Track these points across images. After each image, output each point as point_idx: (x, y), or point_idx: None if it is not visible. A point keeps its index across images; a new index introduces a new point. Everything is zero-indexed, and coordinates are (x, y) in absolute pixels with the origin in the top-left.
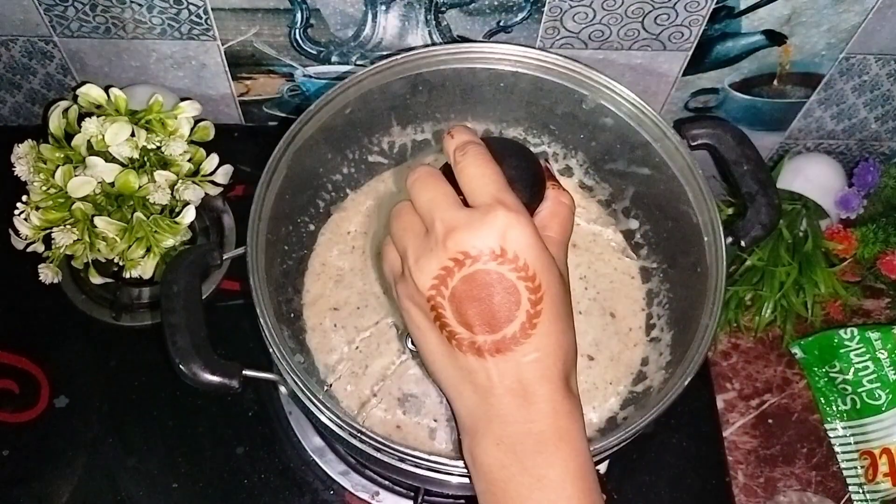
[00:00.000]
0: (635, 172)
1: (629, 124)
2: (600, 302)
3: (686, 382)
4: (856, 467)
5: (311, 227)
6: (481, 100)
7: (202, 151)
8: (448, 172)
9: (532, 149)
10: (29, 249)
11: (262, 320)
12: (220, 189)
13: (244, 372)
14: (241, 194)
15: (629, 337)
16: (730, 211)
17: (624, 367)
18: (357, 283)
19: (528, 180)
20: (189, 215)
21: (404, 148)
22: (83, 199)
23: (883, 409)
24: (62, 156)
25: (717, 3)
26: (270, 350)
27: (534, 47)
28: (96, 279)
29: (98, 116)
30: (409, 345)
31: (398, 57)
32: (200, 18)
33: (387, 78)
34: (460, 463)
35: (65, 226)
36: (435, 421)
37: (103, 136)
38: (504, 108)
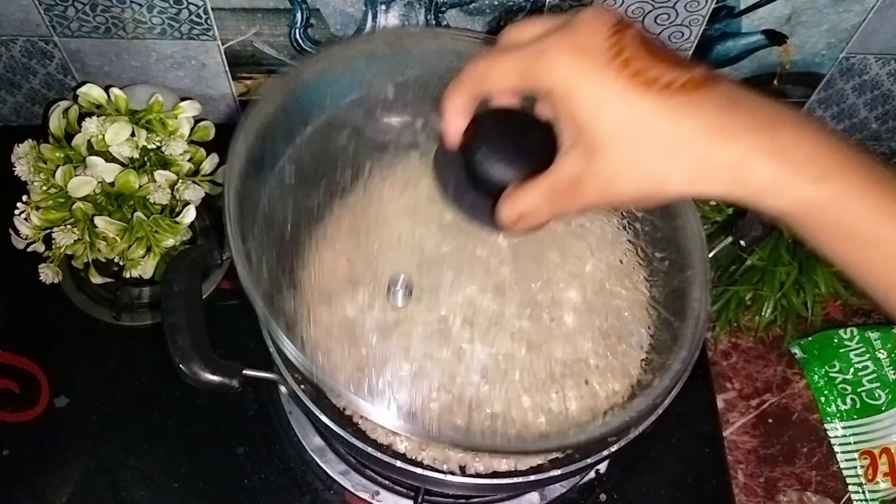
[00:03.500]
0: None
1: None
2: (601, 302)
3: (667, 402)
4: (855, 467)
5: (311, 225)
6: None
7: (202, 151)
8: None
9: None
10: (29, 249)
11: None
12: (221, 189)
13: (244, 371)
14: None
15: (629, 337)
16: (730, 211)
17: (624, 367)
18: (356, 280)
19: (551, 151)
20: (189, 215)
21: (405, 143)
22: (83, 199)
23: (883, 409)
24: (62, 156)
25: (717, 2)
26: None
27: None
28: (96, 279)
29: (98, 116)
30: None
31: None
32: (200, 18)
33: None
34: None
35: (65, 226)
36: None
37: (103, 135)
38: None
